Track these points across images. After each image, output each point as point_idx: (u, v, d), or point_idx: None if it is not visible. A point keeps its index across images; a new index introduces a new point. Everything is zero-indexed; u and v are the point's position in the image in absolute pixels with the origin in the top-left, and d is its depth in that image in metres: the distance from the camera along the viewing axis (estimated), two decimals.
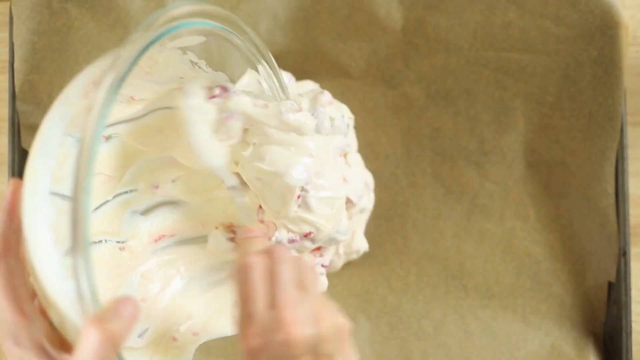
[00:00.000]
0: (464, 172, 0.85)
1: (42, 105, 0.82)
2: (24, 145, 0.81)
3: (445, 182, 0.85)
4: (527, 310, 0.85)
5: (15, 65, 0.81)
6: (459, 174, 0.85)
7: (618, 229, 0.83)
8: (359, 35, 0.84)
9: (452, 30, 0.83)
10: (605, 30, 0.82)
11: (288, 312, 0.55)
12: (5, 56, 0.87)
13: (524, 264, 0.85)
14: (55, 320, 0.57)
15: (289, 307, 0.56)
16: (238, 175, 0.70)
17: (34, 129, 0.81)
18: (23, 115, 0.81)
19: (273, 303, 0.56)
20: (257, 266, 0.58)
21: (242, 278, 0.58)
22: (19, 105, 0.81)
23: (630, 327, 0.82)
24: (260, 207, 0.70)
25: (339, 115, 0.73)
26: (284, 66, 0.81)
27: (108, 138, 0.72)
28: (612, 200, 0.83)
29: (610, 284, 0.84)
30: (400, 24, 0.84)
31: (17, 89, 0.81)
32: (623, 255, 0.82)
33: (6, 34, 0.83)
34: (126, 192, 0.74)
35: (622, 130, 0.82)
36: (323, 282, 0.77)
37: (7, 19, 0.83)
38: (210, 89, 0.68)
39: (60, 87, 0.82)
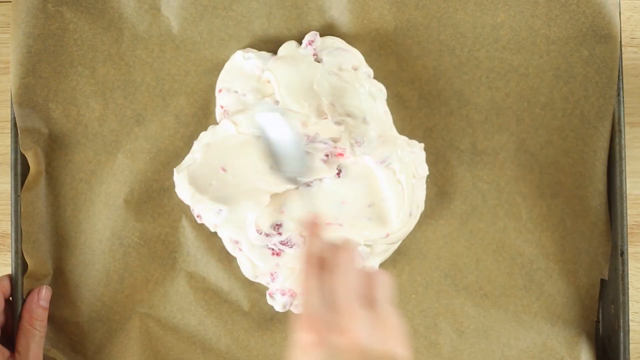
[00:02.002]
0: (457, 171, 0.85)
1: (39, 108, 0.83)
2: (22, 149, 0.82)
3: (438, 182, 0.86)
4: (519, 309, 0.85)
5: (11, 69, 0.82)
6: (451, 173, 0.85)
7: (610, 228, 0.83)
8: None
9: (444, 31, 0.84)
10: (596, 31, 0.82)
11: (352, 320, 0.55)
12: (7, 57, 0.89)
13: (516, 263, 0.85)
14: None
15: (352, 315, 0.55)
16: None
17: (31, 132, 0.83)
18: (20, 119, 0.82)
19: (333, 305, 0.56)
20: (325, 264, 0.59)
21: (309, 270, 0.59)
22: (16, 108, 0.82)
23: (628, 326, 0.82)
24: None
25: None
26: None
27: None
28: (604, 199, 0.83)
29: (603, 281, 0.84)
30: (393, 25, 0.84)
31: (13, 92, 0.82)
32: (621, 254, 0.82)
33: (7, 35, 0.84)
34: None
35: (620, 131, 0.82)
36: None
37: (9, 19, 0.84)
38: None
39: (56, 90, 0.84)
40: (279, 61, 0.81)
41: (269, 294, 0.83)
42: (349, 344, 0.54)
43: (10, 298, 0.82)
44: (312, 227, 0.64)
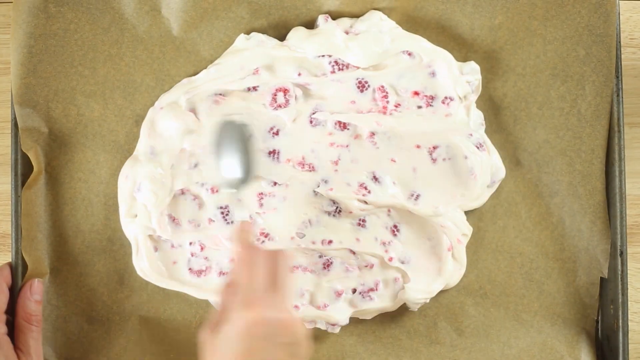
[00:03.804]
0: None
1: (39, 108, 0.83)
2: (23, 148, 0.82)
3: None
4: (519, 308, 0.85)
5: (12, 69, 0.82)
6: None
7: (610, 226, 0.83)
8: None
9: (442, 32, 0.84)
10: (592, 30, 0.82)
11: (258, 300, 0.67)
12: (7, 57, 0.89)
13: (515, 262, 0.85)
14: None
15: (258, 297, 0.68)
16: None
17: (31, 131, 0.83)
18: (20, 119, 0.82)
19: (273, 288, 0.69)
20: (260, 253, 0.72)
21: (246, 261, 0.71)
22: (17, 108, 0.82)
23: (627, 326, 0.82)
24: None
25: None
26: None
27: None
28: (602, 197, 0.83)
29: (602, 281, 0.84)
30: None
31: (14, 93, 0.82)
32: (620, 255, 0.82)
33: (8, 35, 0.84)
34: None
35: (619, 132, 0.83)
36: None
37: (9, 20, 0.85)
38: None
39: (56, 90, 0.84)
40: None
41: None
42: (257, 316, 0.66)
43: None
44: (242, 233, 0.75)
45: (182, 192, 0.84)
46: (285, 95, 0.83)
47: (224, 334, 0.66)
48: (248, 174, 0.80)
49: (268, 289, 0.69)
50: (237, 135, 0.81)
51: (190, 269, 0.84)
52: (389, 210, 0.84)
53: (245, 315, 0.66)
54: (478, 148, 0.82)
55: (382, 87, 0.82)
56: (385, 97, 0.82)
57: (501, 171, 0.84)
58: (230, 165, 0.80)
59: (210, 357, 0.67)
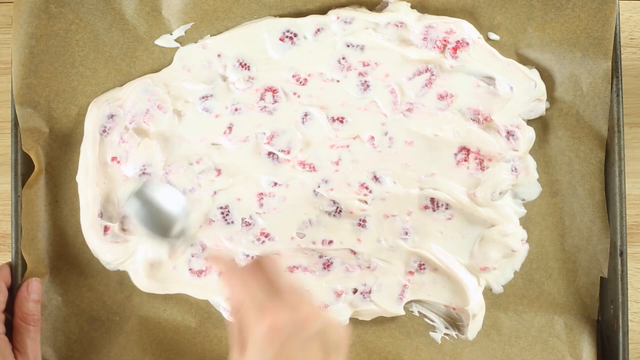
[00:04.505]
0: None
1: (40, 108, 0.83)
2: (24, 148, 0.82)
3: None
4: (519, 308, 0.85)
5: (13, 69, 0.82)
6: None
7: (609, 226, 0.83)
8: None
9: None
10: (590, 33, 0.82)
11: (267, 310, 0.65)
12: (8, 57, 0.89)
13: None
14: None
15: (265, 306, 0.66)
16: None
17: (32, 131, 0.83)
18: (22, 119, 0.82)
19: (276, 291, 0.66)
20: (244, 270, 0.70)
21: (236, 281, 0.68)
22: (18, 108, 0.82)
23: (627, 326, 0.82)
24: None
25: None
26: None
27: None
28: (602, 196, 0.83)
29: (602, 281, 0.84)
30: None
31: (15, 93, 0.82)
32: (620, 255, 0.82)
33: (8, 36, 0.84)
34: None
35: (619, 132, 0.83)
36: None
37: (9, 20, 0.84)
38: None
39: (57, 91, 0.84)
40: None
41: None
42: (273, 321, 0.64)
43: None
44: (215, 259, 0.72)
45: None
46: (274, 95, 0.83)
47: (250, 352, 0.64)
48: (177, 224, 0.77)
49: (271, 294, 0.67)
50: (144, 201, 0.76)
51: (190, 269, 0.84)
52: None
53: (262, 326, 0.64)
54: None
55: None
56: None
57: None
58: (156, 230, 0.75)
59: None
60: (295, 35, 0.83)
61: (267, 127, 0.83)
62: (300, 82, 0.83)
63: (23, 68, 0.82)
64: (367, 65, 0.83)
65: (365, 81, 0.83)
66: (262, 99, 0.83)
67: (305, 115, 0.83)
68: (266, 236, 0.83)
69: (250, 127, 0.83)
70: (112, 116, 0.83)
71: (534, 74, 0.83)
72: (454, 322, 0.85)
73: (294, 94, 0.83)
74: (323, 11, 0.84)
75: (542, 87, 0.83)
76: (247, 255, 0.83)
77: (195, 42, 0.84)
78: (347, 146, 0.83)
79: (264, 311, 0.65)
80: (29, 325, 0.80)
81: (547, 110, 0.84)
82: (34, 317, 0.80)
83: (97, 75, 0.84)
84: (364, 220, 0.83)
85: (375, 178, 0.83)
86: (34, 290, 0.81)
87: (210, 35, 0.84)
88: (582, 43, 0.82)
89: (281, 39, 0.83)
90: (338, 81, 0.83)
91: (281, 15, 0.84)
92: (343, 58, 0.83)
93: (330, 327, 0.65)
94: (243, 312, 0.66)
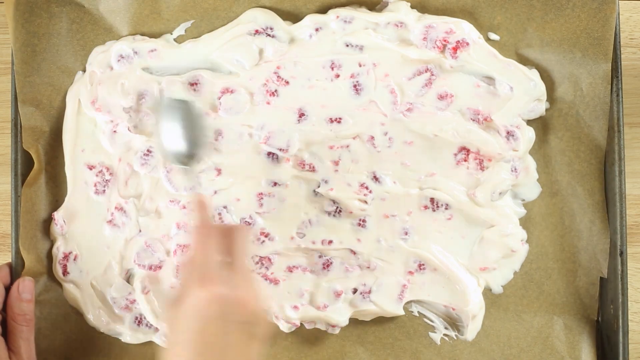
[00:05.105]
0: None
1: (42, 107, 0.83)
2: (24, 146, 0.82)
3: None
4: (519, 309, 0.85)
5: (15, 68, 0.82)
6: None
7: (609, 226, 0.83)
8: None
9: None
10: (590, 33, 0.82)
11: (214, 279, 0.66)
12: (7, 57, 0.89)
13: None
14: None
15: (214, 276, 0.66)
16: None
17: (33, 130, 0.83)
18: (24, 117, 0.82)
19: (229, 265, 0.68)
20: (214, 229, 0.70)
21: (202, 237, 0.69)
22: (20, 107, 0.82)
23: (627, 326, 0.82)
24: None
25: None
26: None
27: None
28: (601, 196, 0.83)
29: (602, 282, 0.84)
30: None
31: (18, 91, 0.82)
32: (620, 254, 0.82)
33: (8, 36, 0.84)
34: None
35: (619, 132, 0.83)
36: None
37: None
38: None
39: (59, 89, 0.84)
40: None
41: None
42: (210, 294, 0.65)
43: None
44: (199, 204, 0.72)
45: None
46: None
47: (182, 312, 0.65)
48: (196, 149, 0.77)
49: (224, 265, 0.68)
50: (180, 112, 0.77)
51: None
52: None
53: (199, 294, 0.64)
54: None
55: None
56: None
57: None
58: (173, 140, 0.77)
59: (170, 332, 0.66)
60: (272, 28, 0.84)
61: (261, 126, 0.84)
62: (286, 82, 0.83)
63: (26, 66, 0.82)
64: (362, 66, 0.83)
65: (357, 82, 0.83)
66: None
67: (302, 115, 0.83)
68: (266, 236, 0.83)
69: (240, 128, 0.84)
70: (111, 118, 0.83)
71: (534, 74, 0.83)
72: (454, 322, 0.85)
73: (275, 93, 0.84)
74: (323, 11, 0.84)
75: (542, 87, 0.83)
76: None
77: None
78: (347, 146, 0.83)
79: (209, 280, 0.65)
80: (21, 326, 0.78)
81: (547, 110, 0.84)
82: (25, 317, 0.79)
83: None
84: (364, 220, 0.83)
85: (375, 178, 0.83)
86: (26, 290, 0.79)
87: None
88: (582, 43, 0.82)
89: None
90: (325, 89, 0.83)
91: (281, 15, 0.84)
92: (333, 63, 0.83)
93: (260, 320, 0.66)
94: (191, 268, 0.67)
